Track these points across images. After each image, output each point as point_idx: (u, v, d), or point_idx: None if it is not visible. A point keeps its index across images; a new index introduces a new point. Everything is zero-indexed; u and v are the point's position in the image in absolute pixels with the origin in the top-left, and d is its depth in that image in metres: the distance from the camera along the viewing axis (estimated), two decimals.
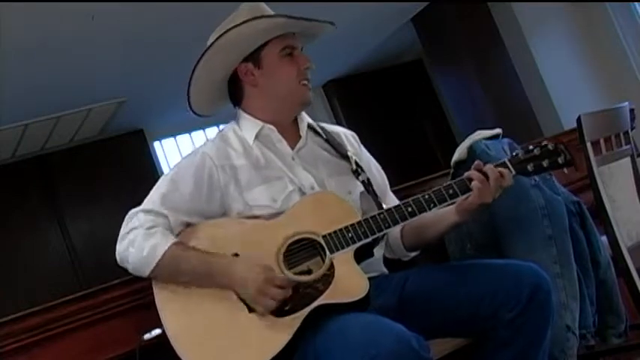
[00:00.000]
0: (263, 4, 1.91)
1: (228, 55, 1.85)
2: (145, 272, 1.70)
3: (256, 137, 1.87)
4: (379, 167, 2.05)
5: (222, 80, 1.92)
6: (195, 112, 1.98)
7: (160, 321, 1.68)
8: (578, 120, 2.06)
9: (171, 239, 1.70)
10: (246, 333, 1.61)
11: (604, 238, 2.15)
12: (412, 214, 1.74)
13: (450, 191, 1.75)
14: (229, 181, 1.79)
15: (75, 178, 5.83)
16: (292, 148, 1.88)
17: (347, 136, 2.03)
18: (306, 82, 1.89)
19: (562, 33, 5.47)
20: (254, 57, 1.86)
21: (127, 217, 1.77)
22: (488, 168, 1.74)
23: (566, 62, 5.37)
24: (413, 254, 1.98)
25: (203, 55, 1.85)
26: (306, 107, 1.94)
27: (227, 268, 1.67)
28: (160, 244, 1.69)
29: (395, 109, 6.97)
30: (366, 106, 6.89)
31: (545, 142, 1.80)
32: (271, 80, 1.87)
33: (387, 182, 2.05)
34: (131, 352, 1.80)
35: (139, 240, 1.70)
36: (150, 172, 5.99)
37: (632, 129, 2.30)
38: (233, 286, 1.66)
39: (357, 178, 1.89)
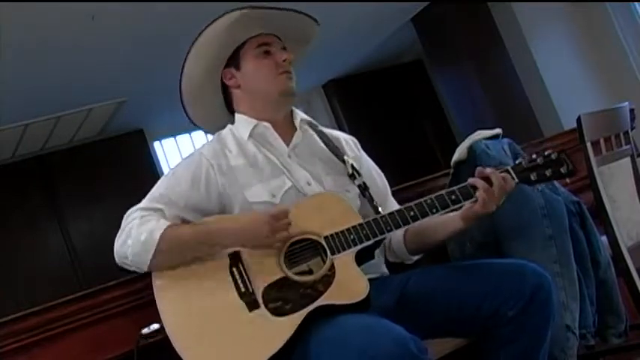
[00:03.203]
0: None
1: (205, 62, 1.89)
2: (147, 259, 1.69)
3: (251, 135, 1.88)
4: (380, 172, 2.05)
5: (216, 93, 1.94)
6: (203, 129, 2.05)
7: (159, 317, 1.68)
8: (578, 120, 2.06)
9: (166, 222, 1.71)
10: (245, 332, 1.61)
11: (604, 238, 2.15)
12: (414, 218, 1.74)
13: (453, 197, 1.75)
14: (227, 182, 1.80)
15: (75, 178, 5.83)
16: (288, 145, 1.89)
17: (347, 141, 2.03)
18: (285, 72, 1.88)
19: (562, 33, 5.47)
20: (234, 60, 1.90)
21: (124, 216, 1.77)
22: (492, 174, 1.74)
23: (566, 62, 5.37)
24: (416, 258, 1.98)
25: (183, 68, 1.90)
26: (291, 97, 1.92)
27: (227, 226, 1.70)
28: (156, 227, 1.69)
29: (395, 109, 6.97)
30: (366, 106, 6.89)
31: (548, 152, 1.80)
32: (250, 78, 1.89)
33: (387, 187, 2.04)
34: (131, 352, 1.80)
35: (135, 229, 1.70)
36: (150, 172, 5.99)
37: (632, 129, 2.30)
38: (238, 239, 1.68)
39: (353, 181, 1.89)
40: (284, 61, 1.87)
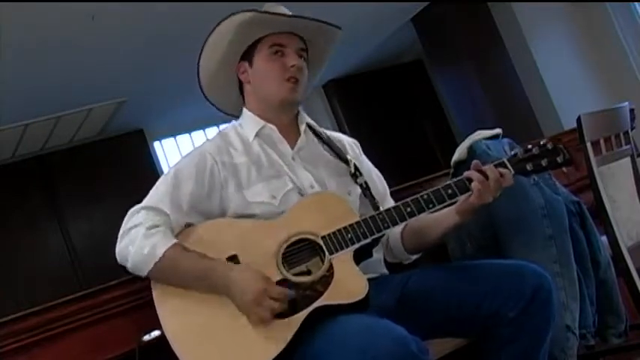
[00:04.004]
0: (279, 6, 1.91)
1: (218, 53, 1.88)
2: (144, 271, 1.69)
3: (257, 135, 1.88)
4: (379, 174, 2.04)
5: (232, 84, 1.95)
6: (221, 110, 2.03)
7: (160, 322, 1.67)
8: (578, 120, 2.06)
9: (172, 240, 1.70)
10: (245, 334, 1.61)
11: (604, 238, 2.15)
12: (411, 214, 1.73)
13: (449, 191, 1.74)
14: (229, 178, 1.79)
15: (75, 178, 5.84)
16: (292, 148, 1.88)
17: (349, 143, 2.04)
18: (291, 79, 1.85)
19: (562, 33, 5.48)
20: (249, 55, 1.89)
21: (128, 213, 1.76)
22: (488, 168, 1.73)
23: (566, 62, 5.38)
24: (414, 257, 1.98)
25: (201, 54, 1.89)
26: (293, 106, 1.92)
27: (225, 275, 1.65)
28: (160, 243, 1.68)
29: (395, 109, 6.97)
30: (366, 106, 6.89)
31: (543, 142, 1.79)
32: (258, 77, 1.89)
33: (387, 189, 2.04)
34: (131, 353, 1.80)
35: (140, 238, 1.69)
36: (150, 172, 5.99)
37: (632, 129, 2.30)
38: (229, 293, 1.64)
39: (356, 181, 1.89)
40: (292, 67, 1.85)
